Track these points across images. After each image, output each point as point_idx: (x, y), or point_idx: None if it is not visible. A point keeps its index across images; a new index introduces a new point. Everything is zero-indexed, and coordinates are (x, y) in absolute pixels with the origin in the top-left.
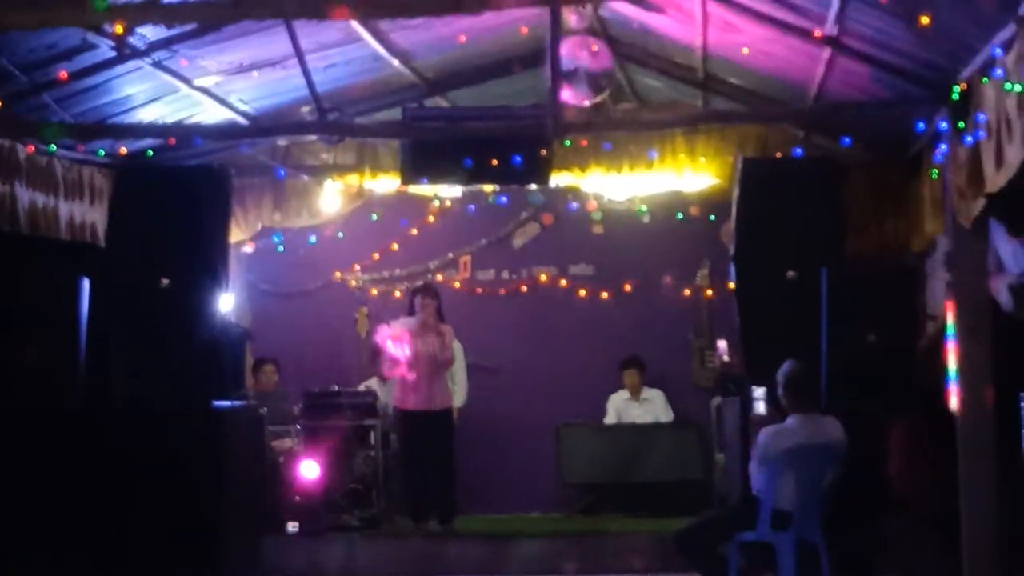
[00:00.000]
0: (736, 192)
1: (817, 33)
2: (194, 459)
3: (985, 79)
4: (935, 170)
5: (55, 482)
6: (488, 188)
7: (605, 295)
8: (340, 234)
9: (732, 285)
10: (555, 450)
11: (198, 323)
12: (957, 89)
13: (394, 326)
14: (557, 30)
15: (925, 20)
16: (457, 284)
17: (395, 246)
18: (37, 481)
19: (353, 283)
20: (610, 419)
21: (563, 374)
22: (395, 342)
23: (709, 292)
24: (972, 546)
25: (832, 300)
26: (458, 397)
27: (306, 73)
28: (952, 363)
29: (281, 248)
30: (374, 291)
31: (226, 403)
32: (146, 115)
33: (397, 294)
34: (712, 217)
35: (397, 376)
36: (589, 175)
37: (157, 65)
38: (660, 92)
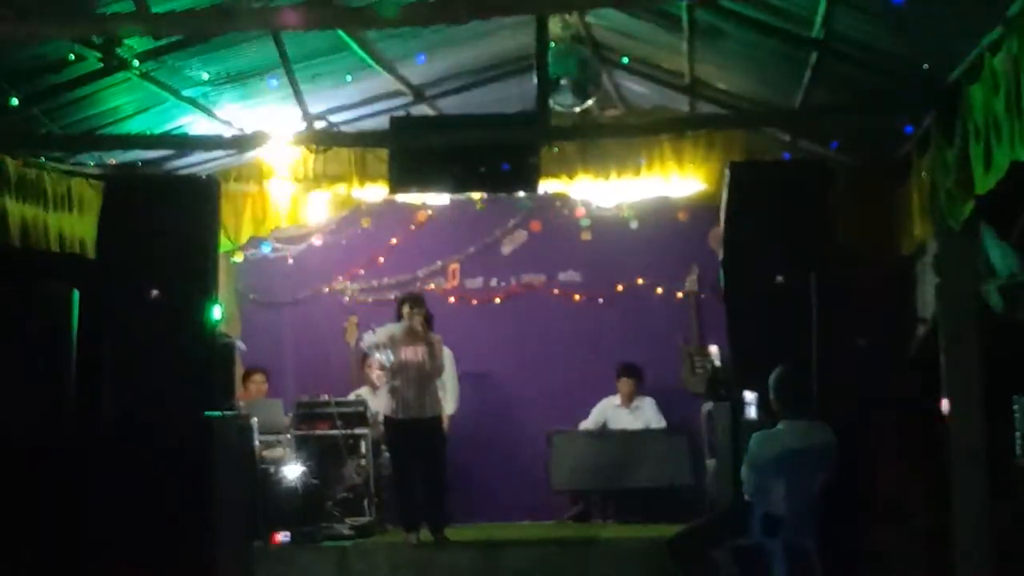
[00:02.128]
0: (724, 197)
1: (804, 36)
2: (185, 469)
3: (973, 81)
4: (923, 173)
5: (47, 492)
6: (476, 196)
7: (594, 301)
8: (328, 243)
9: (721, 290)
10: (546, 457)
11: (188, 333)
12: (945, 91)
13: (379, 332)
14: (544, 37)
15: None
16: (446, 292)
17: (383, 255)
18: (27, 490)
19: (342, 292)
20: (589, 424)
21: (553, 381)
22: (379, 348)
23: (699, 297)
24: (965, 554)
25: (822, 304)
26: (448, 405)
27: (293, 83)
28: (943, 367)
29: (271, 257)
30: (363, 299)
31: (217, 413)
32: (134, 126)
33: (386, 302)
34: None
35: (386, 381)
36: (577, 182)
37: (145, 76)
38: (647, 98)
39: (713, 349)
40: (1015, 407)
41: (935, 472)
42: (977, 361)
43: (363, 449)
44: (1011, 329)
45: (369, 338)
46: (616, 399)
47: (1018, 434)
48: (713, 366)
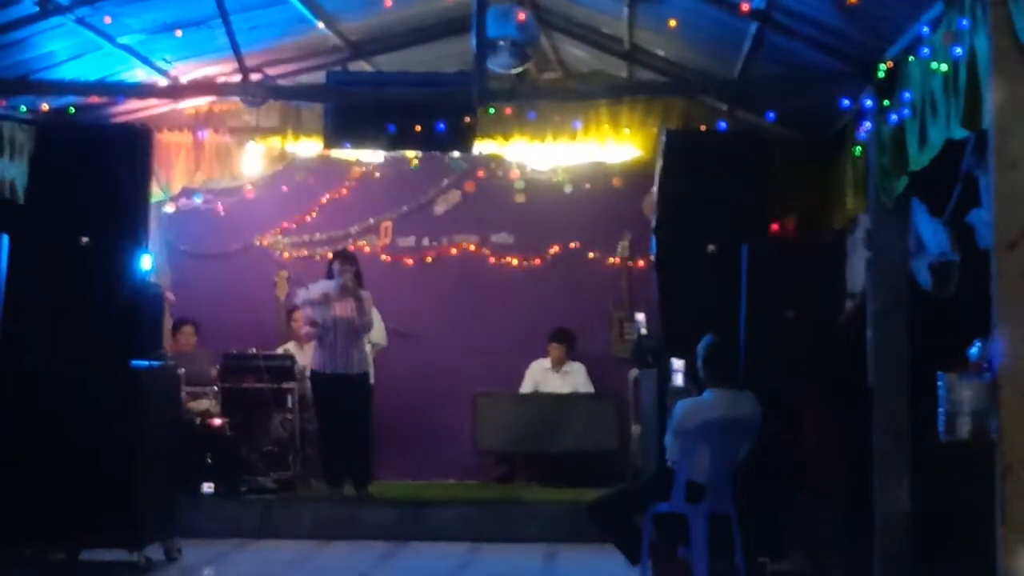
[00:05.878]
0: (659, 164)
1: (744, 7)
2: (111, 418)
3: (911, 57)
4: (858, 148)
5: None
6: (411, 154)
7: (525, 264)
8: (261, 196)
9: (653, 257)
10: (471, 418)
11: (117, 282)
12: (883, 67)
13: (312, 289)
14: None
15: None
16: (378, 250)
17: (316, 210)
18: None
19: (273, 246)
20: (526, 388)
21: (481, 342)
22: (312, 305)
23: (630, 264)
24: (885, 525)
25: (752, 276)
26: (378, 338)
27: (230, 34)
28: (870, 341)
29: (202, 209)
30: (294, 254)
31: (144, 363)
32: (68, 72)
33: (317, 258)
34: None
35: (313, 339)
36: (512, 144)
37: (80, 22)
38: (585, 62)
39: (639, 316)
40: (939, 383)
41: (859, 445)
42: (904, 337)
43: (289, 403)
44: (938, 306)
45: (303, 294)
46: (546, 362)
47: (941, 410)
48: (639, 333)
